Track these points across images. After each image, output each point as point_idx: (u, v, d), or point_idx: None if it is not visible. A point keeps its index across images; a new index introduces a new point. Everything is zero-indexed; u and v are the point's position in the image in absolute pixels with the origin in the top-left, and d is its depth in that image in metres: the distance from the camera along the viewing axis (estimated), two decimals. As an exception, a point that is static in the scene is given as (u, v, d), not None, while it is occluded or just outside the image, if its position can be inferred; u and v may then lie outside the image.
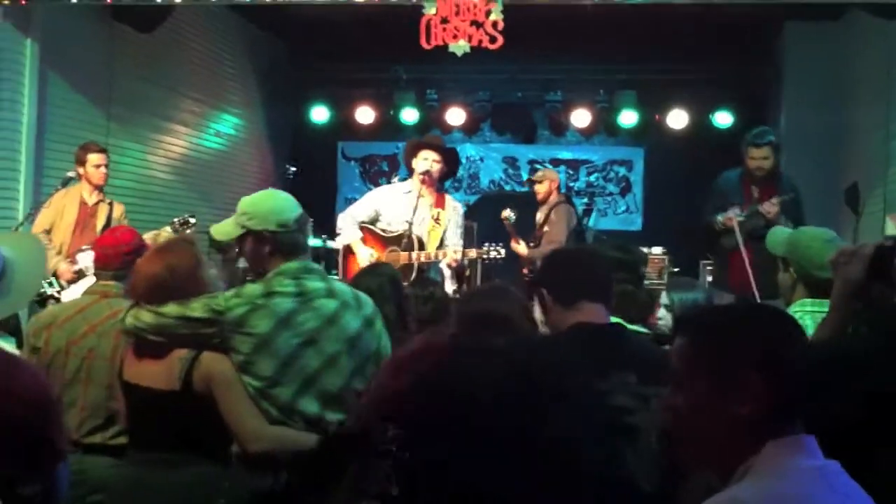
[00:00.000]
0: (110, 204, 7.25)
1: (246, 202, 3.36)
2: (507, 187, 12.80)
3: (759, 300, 6.75)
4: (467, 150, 12.65)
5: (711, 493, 1.72)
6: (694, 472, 2.49)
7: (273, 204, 3.35)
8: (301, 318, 3.16)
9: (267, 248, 3.26)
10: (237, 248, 3.43)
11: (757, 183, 7.13)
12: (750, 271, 6.27)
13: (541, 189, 8.76)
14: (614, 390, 2.44)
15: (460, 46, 6.69)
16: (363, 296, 3.42)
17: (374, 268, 4.79)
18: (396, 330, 3.80)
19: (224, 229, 3.36)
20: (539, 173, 9.22)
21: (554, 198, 8.71)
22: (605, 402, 2.42)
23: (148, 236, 5.39)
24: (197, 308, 3.13)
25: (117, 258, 3.86)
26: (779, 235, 3.70)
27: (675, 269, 9.34)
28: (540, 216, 8.65)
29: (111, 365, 3.51)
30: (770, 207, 6.86)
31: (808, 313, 3.36)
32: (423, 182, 6.68)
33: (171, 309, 3.13)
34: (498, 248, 6.62)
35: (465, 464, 1.58)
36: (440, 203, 6.88)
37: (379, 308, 3.46)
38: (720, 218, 7.06)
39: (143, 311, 3.18)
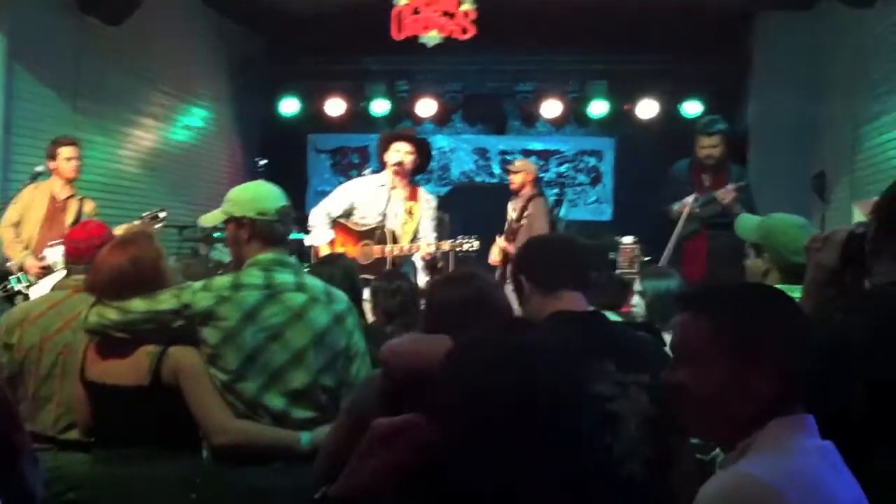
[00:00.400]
0: (80, 200, 7.18)
1: (233, 191, 3.40)
2: (479, 179, 12.81)
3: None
4: (438, 142, 12.63)
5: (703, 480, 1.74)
6: (679, 458, 2.51)
7: (256, 192, 3.38)
8: (267, 311, 3.14)
9: (245, 234, 3.27)
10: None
11: (707, 171, 7.21)
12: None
13: (516, 179, 8.47)
14: (594, 378, 2.45)
15: (431, 37, 6.71)
16: (337, 292, 3.39)
17: (329, 258, 4.84)
18: None
19: (210, 216, 3.43)
20: (517, 163, 8.87)
21: (528, 190, 8.52)
22: (586, 390, 2.43)
23: (118, 230, 5.35)
24: (164, 300, 3.12)
25: (89, 251, 3.81)
26: (749, 222, 3.74)
27: (647, 258, 9.39)
28: (514, 207, 8.44)
29: (85, 360, 3.48)
30: (725, 194, 6.94)
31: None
32: (395, 174, 6.65)
33: (138, 304, 3.12)
34: (471, 240, 6.61)
35: (464, 464, 1.58)
36: (413, 196, 6.86)
37: None
38: (675, 206, 7.14)
39: (107, 308, 3.15)
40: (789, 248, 3.42)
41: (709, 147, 7.18)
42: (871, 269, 2.29)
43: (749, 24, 10.54)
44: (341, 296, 3.39)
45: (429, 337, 2.39)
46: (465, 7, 6.62)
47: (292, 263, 3.36)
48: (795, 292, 3.30)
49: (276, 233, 3.30)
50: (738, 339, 1.78)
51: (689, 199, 7.06)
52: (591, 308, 2.74)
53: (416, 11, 6.64)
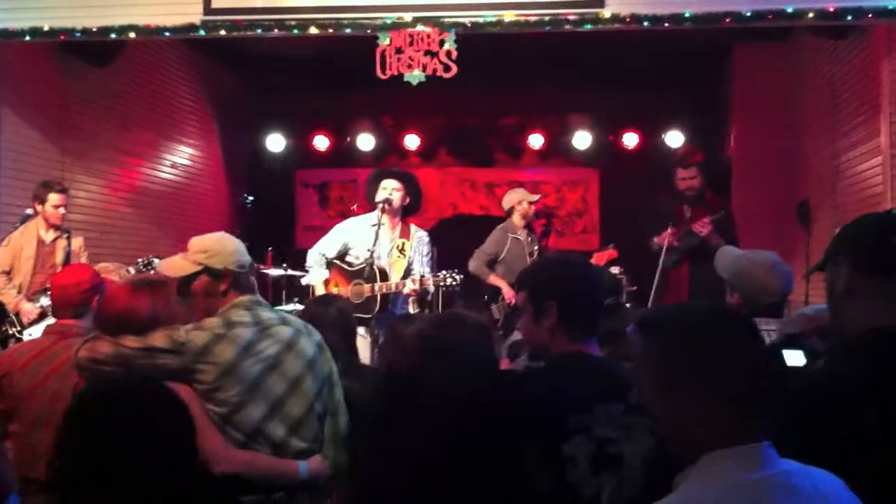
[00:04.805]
0: (68, 238, 7.18)
1: (205, 242, 3.41)
2: (466, 211, 12.89)
3: None
4: (425, 175, 12.72)
5: None
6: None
7: (234, 245, 3.44)
8: (262, 345, 3.23)
9: (223, 286, 3.32)
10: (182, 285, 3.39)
11: (688, 202, 7.31)
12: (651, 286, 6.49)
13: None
14: (599, 422, 2.48)
15: (415, 76, 6.78)
16: (310, 325, 3.53)
17: (323, 298, 4.97)
18: (344, 356, 4.01)
19: (177, 265, 3.37)
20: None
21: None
22: (591, 434, 2.47)
23: (100, 267, 5.34)
24: (158, 338, 3.15)
25: (76, 296, 3.87)
26: (725, 258, 3.80)
27: (633, 288, 9.45)
28: (528, 240, 8.36)
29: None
30: (702, 227, 7.05)
31: (762, 331, 3.46)
32: (384, 212, 6.70)
33: (131, 341, 3.15)
34: (453, 274, 6.67)
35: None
36: (405, 233, 6.92)
37: (323, 334, 3.56)
38: (655, 239, 7.26)
39: (100, 341, 3.17)
40: (758, 289, 3.48)
41: (687, 179, 7.31)
42: (843, 310, 2.16)
43: (728, 55, 10.66)
44: (313, 329, 3.51)
45: None
46: (447, 46, 6.71)
47: (267, 303, 3.46)
48: (771, 325, 3.38)
49: (251, 283, 3.42)
50: (664, 365, 1.78)
51: (667, 232, 7.17)
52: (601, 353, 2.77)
53: (399, 51, 6.71)
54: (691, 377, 1.75)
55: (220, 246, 3.39)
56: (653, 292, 7.34)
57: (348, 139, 12.13)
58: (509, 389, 2.69)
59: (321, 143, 12.19)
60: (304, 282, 7.12)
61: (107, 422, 2.07)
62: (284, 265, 9.24)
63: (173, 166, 10.62)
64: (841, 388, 1.98)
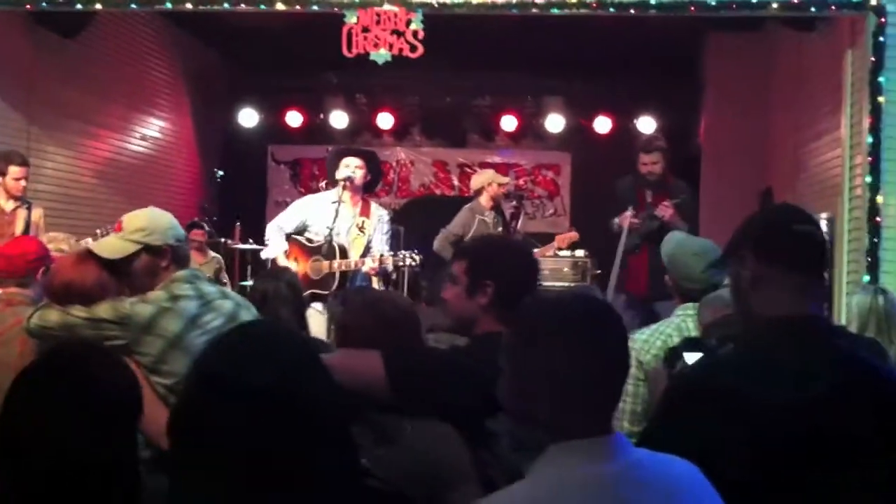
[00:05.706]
0: (28, 208, 7.15)
1: (141, 219, 3.39)
2: (437, 191, 12.95)
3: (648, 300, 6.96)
4: (397, 154, 12.79)
5: None
6: None
7: (169, 220, 3.44)
8: (206, 318, 3.28)
9: (164, 262, 3.34)
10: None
11: (649, 187, 7.37)
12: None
13: None
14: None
15: (381, 55, 6.82)
16: (245, 299, 3.62)
17: (273, 272, 4.97)
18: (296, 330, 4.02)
19: (114, 246, 3.34)
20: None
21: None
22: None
23: (50, 237, 5.33)
24: (103, 310, 3.19)
25: (21, 266, 3.91)
26: (666, 242, 3.87)
27: (598, 271, 9.53)
28: (494, 221, 8.48)
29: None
30: (664, 210, 7.09)
31: (691, 316, 3.54)
32: (345, 189, 6.73)
33: (78, 310, 3.19)
34: (413, 255, 6.72)
35: None
36: (365, 211, 6.92)
37: (276, 309, 3.60)
38: (616, 221, 7.30)
39: (49, 310, 3.22)
40: (683, 275, 3.56)
41: (649, 164, 7.36)
42: (749, 301, 2.19)
43: (702, 43, 10.71)
44: (248, 302, 3.59)
45: (359, 352, 2.56)
46: (414, 26, 6.74)
47: (205, 276, 3.54)
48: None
49: (188, 255, 3.47)
50: (511, 356, 1.78)
51: (628, 213, 7.21)
52: None
53: (365, 30, 6.74)
54: (539, 369, 1.72)
55: (156, 222, 3.38)
56: (613, 277, 7.39)
57: (321, 116, 12.14)
58: (438, 364, 2.72)
59: (294, 119, 12.19)
60: (263, 255, 7.13)
61: (46, 390, 2.07)
62: (251, 240, 9.28)
63: (143, 139, 10.59)
64: (732, 377, 2.02)
